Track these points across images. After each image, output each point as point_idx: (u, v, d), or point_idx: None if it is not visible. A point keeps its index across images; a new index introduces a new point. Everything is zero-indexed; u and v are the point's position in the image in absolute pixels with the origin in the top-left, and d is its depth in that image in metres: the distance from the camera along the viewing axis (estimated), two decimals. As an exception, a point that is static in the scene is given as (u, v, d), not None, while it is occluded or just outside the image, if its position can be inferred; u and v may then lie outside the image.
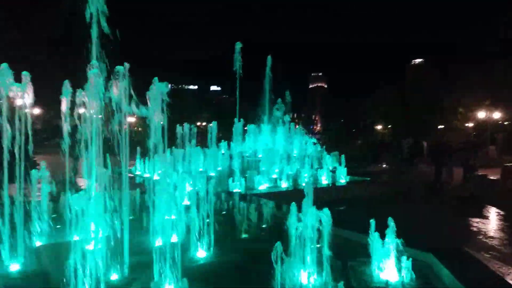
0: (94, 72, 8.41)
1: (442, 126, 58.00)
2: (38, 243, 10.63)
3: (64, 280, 7.05)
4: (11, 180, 9.68)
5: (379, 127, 65.58)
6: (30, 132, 10.03)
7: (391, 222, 8.90)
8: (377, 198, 19.89)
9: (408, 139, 40.48)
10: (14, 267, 9.10)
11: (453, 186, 25.62)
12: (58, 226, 11.98)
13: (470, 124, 59.67)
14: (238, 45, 32.35)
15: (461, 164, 27.67)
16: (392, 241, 8.82)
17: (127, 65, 9.75)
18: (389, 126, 63.44)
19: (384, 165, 36.76)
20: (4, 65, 9.32)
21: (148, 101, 9.56)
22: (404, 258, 8.64)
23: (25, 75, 9.80)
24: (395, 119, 55.69)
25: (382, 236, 8.91)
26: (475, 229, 15.51)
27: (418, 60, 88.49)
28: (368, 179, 27.57)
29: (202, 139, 29.34)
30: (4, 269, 8.92)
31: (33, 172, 10.66)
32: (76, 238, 7.43)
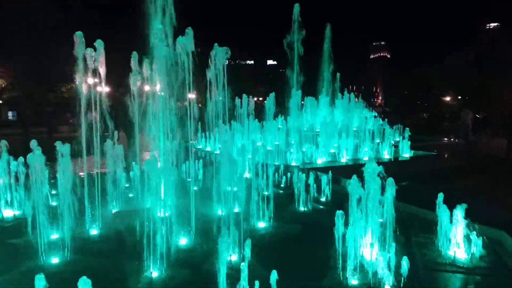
0: (159, 38, 8.70)
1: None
2: (114, 210, 11.62)
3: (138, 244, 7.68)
4: (89, 152, 10.60)
5: (447, 98, 61.20)
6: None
7: (459, 198, 8.48)
8: (444, 173, 18.85)
9: (466, 110, 37.43)
10: (94, 231, 10.06)
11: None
12: (131, 195, 12.96)
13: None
14: (297, 8, 31.03)
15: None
16: (460, 217, 8.41)
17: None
18: (459, 97, 58.95)
19: (452, 139, 34.52)
20: (79, 33, 9.97)
21: (210, 63, 9.80)
22: (473, 234, 8.22)
23: (99, 43, 10.43)
24: (468, 88, 51.24)
25: (450, 212, 8.53)
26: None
27: (493, 24, 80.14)
28: (434, 153, 26.16)
29: (259, 113, 29.52)
30: (86, 233, 9.90)
31: (107, 145, 11.52)
32: (147, 206, 8.01)
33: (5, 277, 7.50)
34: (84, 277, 4.74)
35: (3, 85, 36.62)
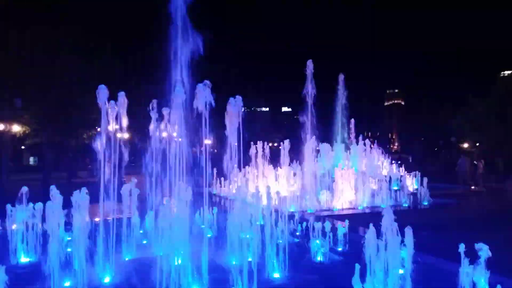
0: (178, 90, 9.02)
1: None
2: (127, 258, 11.49)
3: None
4: (105, 197, 10.69)
5: (465, 145, 60.43)
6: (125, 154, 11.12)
7: (483, 249, 8.10)
8: (466, 222, 18.19)
9: (463, 157, 38.15)
10: (106, 279, 9.89)
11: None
12: (144, 242, 12.86)
13: None
14: (310, 64, 32.17)
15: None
16: (484, 269, 8.00)
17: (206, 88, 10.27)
18: (477, 144, 58.18)
19: (472, 186, 33.68)
20: (102, 86, 10.44)
21: (226, 118, 10.05)
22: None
23: (121, 95, 10.87)
24: (487, 135, 50.59)
25: (473, 264, 8.13)
26: None
27: (507, 72, 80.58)
28: (455, 201, 25.42)
29: (274, 159, 29.68)
30: (98, 281, 9.74)
31: (123, 190, 11.63)
32: (160, 253, 7.92)
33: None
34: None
35: (26, 132, 38.08)
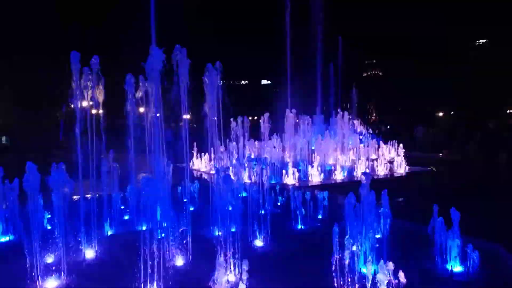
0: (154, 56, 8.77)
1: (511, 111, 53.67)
2: (110, 232, 11.52)
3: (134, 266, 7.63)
4: (85, 175, 10.58)
5: (440, 114, 62.06)
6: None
7: (455, 212, 8.54)
8: (440, 188, 18.94)
9: (418, 127, 42.75)
10: (89, 254, 9.92)
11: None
12: (126, 217, 12.89)
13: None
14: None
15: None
16: (456, 231, 8.48)
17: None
18: (452, 113, 59.85)
19: (448, 154, 34.84)
20: (74, 52, 10.01)
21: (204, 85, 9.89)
22: (469, 248, 8.26)
23: (95, 59, 10.45)
24: (461, 102, 52.06)
25: (446, 227, 8.59)
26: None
27: (482, 40, 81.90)
28: (430, 169, 26.30)
29: (255, 132, 29.69)
30: (81, 257, 9.76)
31: (103, 166, 11.51)
32: (143, 227, 7.98)
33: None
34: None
35: (-3, 111, 36.78)
